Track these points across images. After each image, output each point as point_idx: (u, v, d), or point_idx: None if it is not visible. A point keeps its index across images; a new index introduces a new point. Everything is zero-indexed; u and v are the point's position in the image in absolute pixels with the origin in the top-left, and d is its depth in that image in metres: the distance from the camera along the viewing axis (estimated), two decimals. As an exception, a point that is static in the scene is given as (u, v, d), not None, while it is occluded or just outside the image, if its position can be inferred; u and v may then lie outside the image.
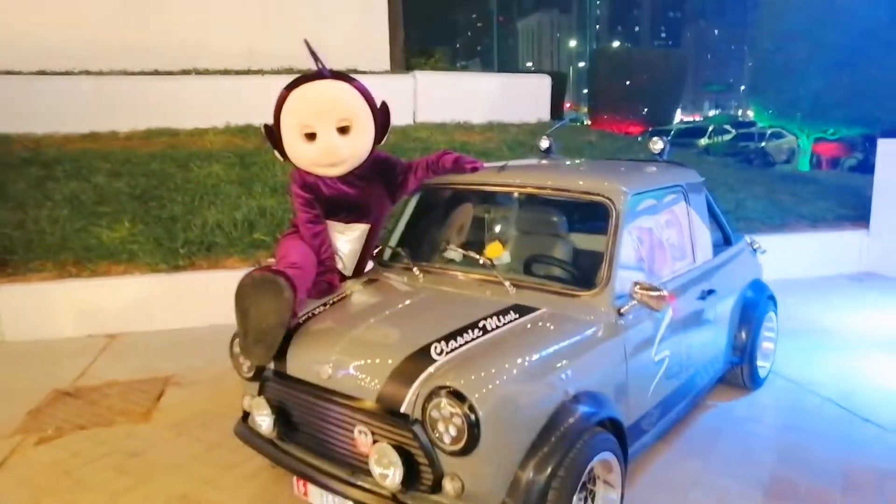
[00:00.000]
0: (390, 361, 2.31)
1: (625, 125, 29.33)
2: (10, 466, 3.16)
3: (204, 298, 5.31)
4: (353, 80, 3.05)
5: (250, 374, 2.73)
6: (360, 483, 2.33)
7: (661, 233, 3.15)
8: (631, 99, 30.80)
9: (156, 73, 8.80)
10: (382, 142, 3.17)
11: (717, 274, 3.55)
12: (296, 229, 3.10)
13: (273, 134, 3.01)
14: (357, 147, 2.98)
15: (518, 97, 10.34)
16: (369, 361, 2.36)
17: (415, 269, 3.07)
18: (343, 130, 2.91)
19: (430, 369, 2.23)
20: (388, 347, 2.40)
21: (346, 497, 2.33)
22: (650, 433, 2.92)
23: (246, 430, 2.79)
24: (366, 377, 2.32)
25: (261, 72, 8.96)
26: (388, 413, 2.23)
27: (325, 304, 2.86)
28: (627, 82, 31.19)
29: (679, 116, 39.96)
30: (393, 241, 3.37)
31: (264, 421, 2.60)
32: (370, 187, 3.12)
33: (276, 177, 6.77)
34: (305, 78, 2.98)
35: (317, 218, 3.04)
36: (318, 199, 3.05)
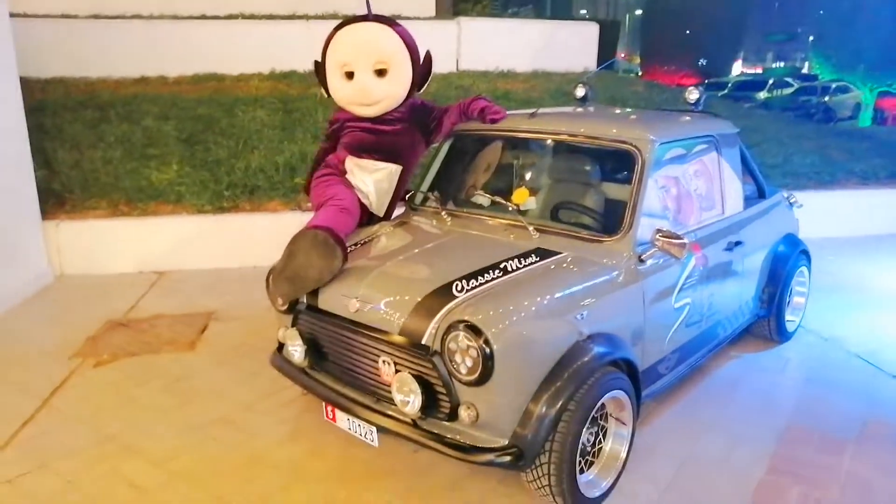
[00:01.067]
0: (414, 297, 2.43)
1: (678, 76, 28.38)
2: (71, 385, 3.45)
3: (246, 240, 5.54)
4: (398, 24, 3.16)
5: (284, 307, 2.89)
6: (382, 409, 2.50)
7: (688, 182, 3.15)
8: (686, 49, 29.71)
9: (203, 17, 8.91)
10: (422, 89, 3.27)
11: (747, 226, 3.54)
12: (331, 171, 3.21)
13: (320, 71, 3.19)
14: (393, 90, 3.10)
15: (564, 45, 10.13)
16: (394, 297, 2.49)
17: (443, 212, 3.16)
18: (380, 73, 3.04)
19: (451, 305, 2.34)
20: (413, 284, 2.52)
21: (369, 422, 2.50)
22: (667, 377, 2.99)
23: (280, 360, 2.99)
24: (390, 311, 2.45)
25: (305, 17, 8.98)
26: (410, 345, 2.36)
27: (356, 244, 2.99)
28: (684, 31, 30.01)
29: (739, 68, 38.33)
30: (424, 186, 3.46)
31: (296, 351, 2.77)
32: (405, 131, 3.22)
33: (317, 123, 6.88)
34: (352, 20, 3.13)
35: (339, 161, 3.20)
36: (352, 133, 3.19)
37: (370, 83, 3.04)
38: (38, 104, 6.44)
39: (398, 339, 2.40)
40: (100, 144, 6.21)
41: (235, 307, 4.56)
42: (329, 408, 2.69)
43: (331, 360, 2.74)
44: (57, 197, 5.49)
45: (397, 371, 2.41)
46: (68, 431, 3.00)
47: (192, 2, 8.97)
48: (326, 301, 2.69)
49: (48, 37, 7.77)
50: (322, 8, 9.16)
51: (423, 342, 2.33)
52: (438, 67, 9.70)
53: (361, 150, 3.17)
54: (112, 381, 3.50)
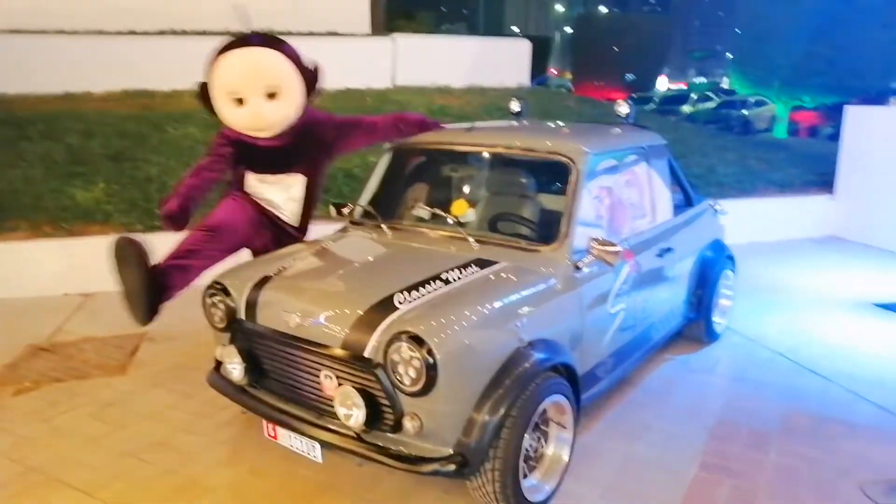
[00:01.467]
0: (356, 310, 2.42)
1: (608, 91, 29.32)
2: (-11, 416, 3.26)
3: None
4: (283, 44, 3.10)
5: (222, 325, 2.83)
6: (325, 424, 2.47)
7: (621, 192, 3.27)
8: (614, 65, 30.79)
9: (132, 33, 8.68)
10: (314, 100, 3.22)
11: (676, 233, 3.69)
12: (235, 194, 3.23)
13: (206, 94, 3.06)
14: (286, 112, 3.05)
15: (498, 61, 10.34)
16: (335, 310, 2.47)
17: (383, 225, 3.17)
18: (271, 96, 2.97)
19: (393, 317, 2.34)
20: (354, 297, 2.51)
21: (312, 437, 2.46)
22: (605, 380, 3.08)
23: (218, 379, 2.91)
24: (332, 325, 2.43)
25: (241, 34, 8.85)
26: (353, 358, 2.35)
27: (294, 258, 2.96)
28: (612, 48, 31.11)
29: (665, 84, 39.92)
30: (363, 200, 3.46)
31: (235, 368, 2.71)
32: (300, 140, 3.17)
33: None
34: (234, 43, 3.02)
35: (216, 166, 3.15)
36: (245, 151, 3.13)
37: (263, 109, 2.98)
38: (-50, 121, 6.11)
39: (340, 352, 2.38)
40: (19, 163, 5.93)
41: (168, 327, 4.36)
42: (270, 425, 2.64)
43: (271, 376, 2.70)
44: (-31, 219, 5.21)
45: (340, 385, 2.40)
46: (-12, 465, 2.83)
47: (119, 18, 8.72)
48: (266, 316, 2.65)
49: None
50: (260, 23, 9.06)
51: (365, 355, 2.33)
52: (374, 83, 9.75)
53: (260, 167, 3.15)
54: (35, 409, 3.32)
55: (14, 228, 5.25)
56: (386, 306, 2.41)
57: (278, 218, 3.26)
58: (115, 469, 2.78)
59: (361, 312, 2.41)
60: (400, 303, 2.41)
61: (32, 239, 5.18)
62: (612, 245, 2.72)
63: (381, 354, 2.28)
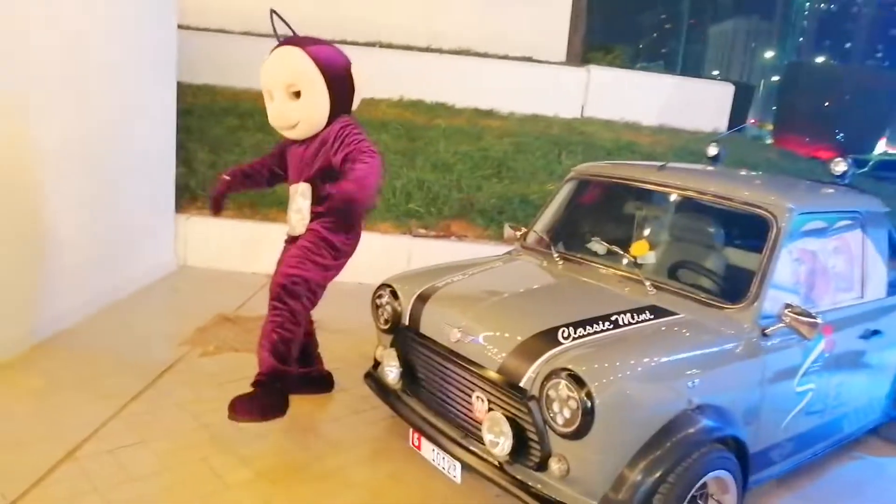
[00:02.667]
0: (517, 336, 2.37)
1: (813, 148, 26.85)
2: (177, 370, 3.63)
3: (356, 257, 5.66)
4: (310, 44, 3.02)
5: (386, 326, 2.91)
6: (470, 446, 2.43)
7: (826, 259, 2.92)
8: (825, 120, 28.12)
9: (343, 42, 9.39)
10: (352, 108, 3.17)
11: (887, 315, 3.23)
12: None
13: None
14: (308, 112, 2.99)
15: (695, 103, 9.86)
16: (497, 333, 2.44)
17: (555, 254, 3.09)
18: (296, 95, 2.96)
19: (555, 351, 2.26)
20: (517, 323, 2.46)
21: (454, 457, 2.44)
22: (778, 465, 2.75)
23: (373, 379, 3.00)
24: (491, 347, 2.40)
25: (440, 50, 9.26)
26: (508, 385, 2.30)
27: (464, 273, 2.97)
28: (823, 101, 28.49)
29: (883, 146, 35.84)
30: (538, 226, 3.41)
31: (392, 371, 2.78)
32: (317, 151, 3.06)
33: (438, 153, 7.02)
34: (277, 45, 3.08)
35: (265, 163, 3.41)
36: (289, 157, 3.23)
37: (284, 106, 3.00)
38: (187, 107, 6.96)
39: (495, 376, 2.34)
40: (235, 149, 6.62)
41: (338, 319, 4.64)
42: (416, 435, 2.66)
43: (424, 386, 2.73)
44: (191, 193, 5.88)
45: (490, 409, 2.35)
46: (169, 414, 3.14)
47: (335, 28, 9.49)
48: (428, 326, 2.69)
49: (203, 48, 8.45)
50: (457, 43, 9.44)
51: (520, 384, 2.26)
52: (563, 112, 9.60)
53: (296, 175, 3.19)
54: (214, 372, 3.64)
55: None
56: (549, 338, 2.33)
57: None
58: (270, 444, 2.96)
59: (523, 340, 2.36)
60: (564, 337, 2.32)
61: (234, 219, 5.75)
62: (811, 316, 2.42)
63: (538, 388, 2.21)
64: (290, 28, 3.12)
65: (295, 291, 3.05)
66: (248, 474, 2.72)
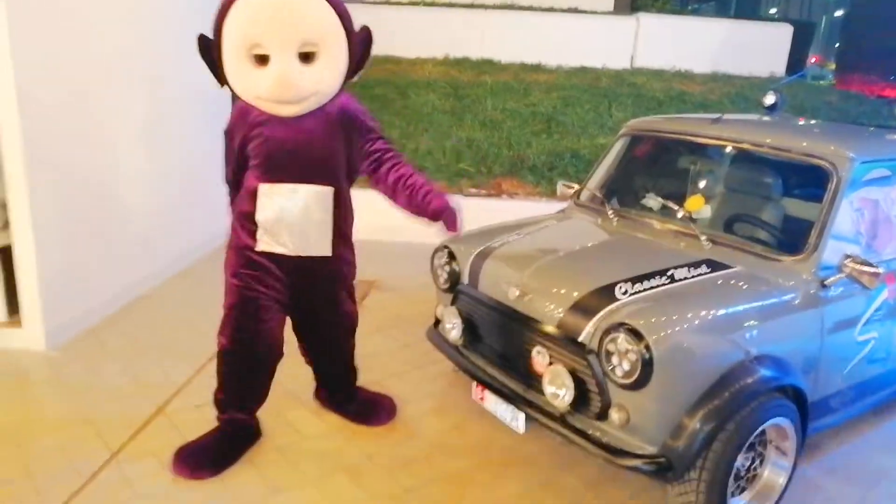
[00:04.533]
0: (574, 293, 2.45)
1: (879, 87, 25.46)
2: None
3: (404, 218, 5.78)
4: None
5: (446, 286, 3.02)
6: (532, 398, 2.54)
7: (889, 207, 2.87)
8: (892, 56, 26.52)
9: (387, 2, 9.36)
10: (356, 77, 2.40)
11: (954, 262, 3.16)
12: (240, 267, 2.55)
13: (210, 50, 2.26)
14: (324, 81, 2.26)
15: (750, 47, 9.50)
16: (555, 290, 2.52)
17: (609, 211, 3.13)
18: (306, 57, 2.19)
19: (613, 306, 2.33)
20: (574, 279, 2.53)
21: (517, 409, 2.56)
22: (839, 413, 2.77)
23: (436, 335, 3.13)
24: (550, 303, 2.48)
25: (483, 6, 9.14)
26: (567, 339, 2.39)
27: (519, 233, 3.05)
28: (892, 35, 26.81)
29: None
30: (591, 183, 3.44)
31: (454, 328, 2.89)
32: (332, 135, 2.40)
33: (486, 111, 7.02)
34: None
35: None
36: (262, 147, 2.38)
37: (294, 72, 2.17)
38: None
39: (555, 331, 2.43)
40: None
41: (393, 279, 4.82)
42: (479, 388, 2.79)
43: (485, 341, 2.84)
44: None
45: (551, 363, 2.45)
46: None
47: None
48: (487, 285, 2.78)
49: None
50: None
51: (579, 339, 2.35)
52: (612, 63, 9.45)
53: (276, 169, 2.38)
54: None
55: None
56: (606, 294, 2.40)
57: (281, 256, 2.47)
58: (340, 397, 3.14)
59: (580, 295, 2.43)
60: (622, 293, 2.38)
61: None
62: (873, 266, 2.41)
63: (597, 341, 2.28)
64: None
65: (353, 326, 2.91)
66: (321, 426, 2.91)
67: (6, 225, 3.41)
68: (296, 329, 2.78)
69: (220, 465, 2.57)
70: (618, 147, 3.49)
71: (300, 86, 2.20)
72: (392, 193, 2.58)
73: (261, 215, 2.41)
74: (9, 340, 3.46)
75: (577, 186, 3.53)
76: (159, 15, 4.36)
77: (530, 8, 9.20)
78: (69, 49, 3.52)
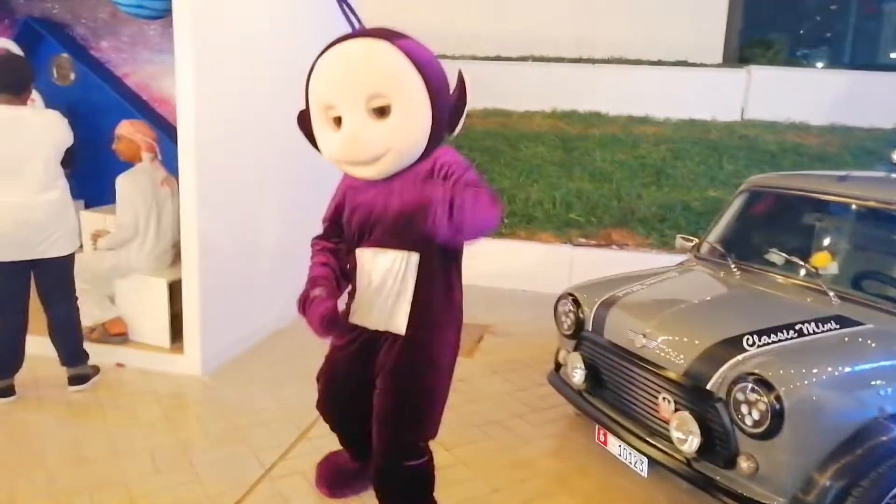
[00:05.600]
0: (702, 343, 2.56)
1: None
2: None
3: (519, 265, 6.01)
4: (402, 37, 2.01)
5: (569, 332, 3.18)
6: (656, 443, 2.64)
7: None
8: None
9: (498, 58, 9.81)
10: (455, 132, 2.10)
11: None
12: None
13: (305, 121, 2.16)
14: (400, 136, 1.99)
15: (870, 98, 9.15)
16: (681, 339, 2.64)
17: (732, 265, 3.21)
18: (381, 113, 1.95)
19: (741, 357, 2.42)
20: (701, 329, 2.65)
21: (642, 453, 2.66)
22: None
23: (557, 379, 3.29)
24: (676, 352, 2.60)
25: (591, 60, 9.40)
26: (694, 387, 2.49)
27: (642, 284, 3.18)
28: None
29: None
30: (712, 237, 3.53)
31: (577, 373, 3.04)
32: (418, 197, 2.01)
33: (594, 162, 7.19)
34: (339, 39, 2.02)
35: (325, 246, 2.36)
36: (351, 211, 2.23)
37: (363, 129, 1.95)
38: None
39: (682, 379, 2.54)
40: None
41: (507, 324, 5.01)
42: (602, 431, 2.91)
43: (608, 387, 2.97)
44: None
45: (677, 409, 2.55)
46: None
47: (488, 45, 9.94)
48: (613, 332, 2.93)
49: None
50: (608, 52, 9.54)
51: (707, 387, 2.45)
52: (722, 116, 9.41)
53: (360, 234, 2.20)
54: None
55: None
56: (734, 345, 2.49)
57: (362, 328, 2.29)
58: (466, 434, 3.32)
59: (708, 345, 2.53)
60: (749, 344, 2.47)
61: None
62: None
63: (725, 390, 2.38)
64: (353, 18, 2.07)
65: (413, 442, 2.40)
66: (450, 459, 3.11)
67: (176, 262, 3.90)
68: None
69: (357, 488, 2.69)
70: (739, 202, 3.57)
71: (369, 143, 1.96)
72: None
73: (356, 282, 2.25)
74: (172, 365, 3.91)
75: (695, 240, 3.64)
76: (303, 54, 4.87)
77: (638, 61, 9.37)
78: (238, 119, 4.03)
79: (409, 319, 2.17)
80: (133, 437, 3.20)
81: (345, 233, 2.30)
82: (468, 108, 2.08)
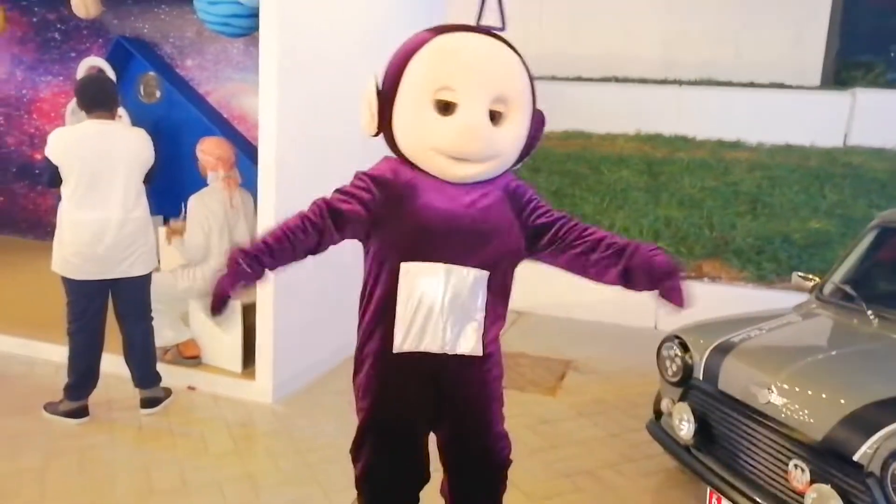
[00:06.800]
0: (844, 403, 2.19)
1: None
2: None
3: (602, 296, 5.64)
4: (521, 56, 1.93)
5: (675, 379, 2.85)
6: (786, 517, 2.28)
7: None
8: None
9: (579, 79, 9.52)
10: (524, 160, 2.02)
11: None
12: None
13: (381, 101, 1.93)
14: (507, 146, 1.89)
15: None
16: (819, 397, 2.28)
17: (869, 312, 2.80)
18: (493, 118, 1.84)
19: (896, 425, 2.05)
20: (843, 388, 2.28)
21: (767, 526, 2.30)
22: None
23: (658, 429, 2.95)
24: (813, 413, 2.24)
25: (678, 82, 8.98)
26: (837, 456, 2.12)
27: (760, 328, 2.82)
28: None
29: None
30: (837, 277, 3.13)
31: (685, 426, 2.70)
32: (502, 213, 1.94)
33: (682, 188, 6.78)
34: (458, 27, 1.90)
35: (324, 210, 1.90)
36: (412, 217, 1.89)
37: (484, 125, 1.81)
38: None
39: (821, 446, 2.18)
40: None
41: (591, 360, 4.67)
42: (714, 496, 2.56)
43: (721, 443, 2.61)
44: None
45: (813, 481, 2.19)
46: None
47: (570, 67, 9.67)
48: (730, 383, 2.58)
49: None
50: (696, 73, 9.10)
51: (854, 458, 2.08)
52: (822, 142, 8.83)
53: (425, 244, 1.90)
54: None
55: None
56: (887, 409, 2.12)
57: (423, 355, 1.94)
58: (554, 485, 3.02)
59: (854, 409, 2.17)
60: (907, 410, 2.09)
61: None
62: None
63: (878, 464, 2.01)
64: (501, 13, 1.97)
65: (506, 458, 2.17)
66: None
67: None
68: (441, 449, 2.14)
69: None
70: (869, 239, 3.16)
71: (489, 141, 1.82)
72: (589, 262, 1.91)
73: (402, 302, 1.93)
74: (242, 391, 3.78)
75: (816, 279, 3.25)
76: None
77: (728, 83, 8.89)
78: (318, 137, 3.91)
79: (483, 339, 1.96)
80: (202, 468, 3.05)
81: (380, 236, 1.95)
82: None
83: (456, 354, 1.93)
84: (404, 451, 2.07)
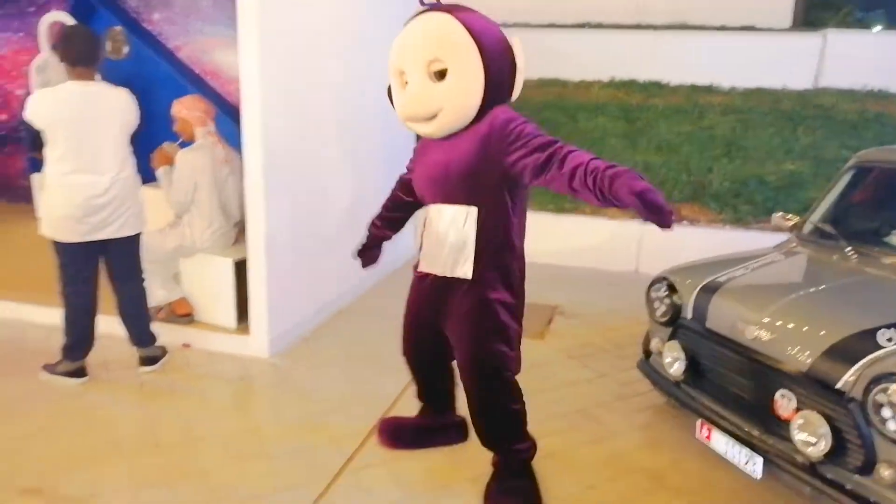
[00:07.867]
0: (829, 337, 2.32)
1: None
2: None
3: (583, 242, 5.78)
4: (464, 10, 2.28)
5: (664, 319, 2.96)
6: (773, 443, 2.43)
7: None
8: None
9: (552, 25, 9.42)
10: (513, 97, 2.35)
11: None
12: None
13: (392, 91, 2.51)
14: (455, 96, 2.23)
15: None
16: (803, 331, 2.40)
17: (848, 248, 2.94)
18: (439, 75, 2.23)
19: (877, 353, 2.19)
20: (826, 321, 2.40)
21: (756, 452, 2.45)
22: None
23: (649, 367, 3.08)
24: (798, 346, 2.37)
25: (652, 27, 8.95)
26: (821, 385, 2.26)
27: (745, 267, 2.94)
28: None
29: None
30: (816, 216, 3.26)
31: (676, 364, 2.83)
32: (473, 154, 2.27)
33: (660, 135, 6.86)
34: (414, 14, 2.35)
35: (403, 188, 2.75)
36: (417, 170, 2.57)
37: (422, 89, 2.24)
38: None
39: (807, 376, 2.31)
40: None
41: (576, 304, 4.80)
42: (705, 426, 2.70)
43: (710, 378, 2.75)
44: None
45: (799, 409, 2.33)
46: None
47: (543, 14, 9.55)
48: (717, 321, 2.70)
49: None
50: (669, 19, 9.07)
51: (837, 386, 2.22)
52: (793, 83, 8.89)
53: (426, 190, 2.51)
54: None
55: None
56: (867, 339, 2.25)
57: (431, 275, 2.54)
58: (550, 425, 3.14)
59: (836, 340, 2.30)
60: (886, 340, 2.22)
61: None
62: None
63: (860, 391, 2.15)
64: None
65: (495, 369, 2.53)
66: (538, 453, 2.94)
67: (240, 241, 3.78)
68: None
69: (416, 443, 2.91)
70: (846, 179, 3.28)
71: (426, 102, 2.26)
72: (570, 186, 2.06)
73: (423, 236, 2.57)
74: (238, 347, 3.82)
75: (795, 218, 3.37)
76: (375, 44, 4.66)
77: (701, 27, 8.88)
78: (303, 94, 3.86)
79: (475, 265, 2.38)
80: (205, 421, 3.11)
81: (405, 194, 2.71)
82: (524, 76, 2.33)
83: (455, 277, 2.42)
84: (424, 333, 2.69)
